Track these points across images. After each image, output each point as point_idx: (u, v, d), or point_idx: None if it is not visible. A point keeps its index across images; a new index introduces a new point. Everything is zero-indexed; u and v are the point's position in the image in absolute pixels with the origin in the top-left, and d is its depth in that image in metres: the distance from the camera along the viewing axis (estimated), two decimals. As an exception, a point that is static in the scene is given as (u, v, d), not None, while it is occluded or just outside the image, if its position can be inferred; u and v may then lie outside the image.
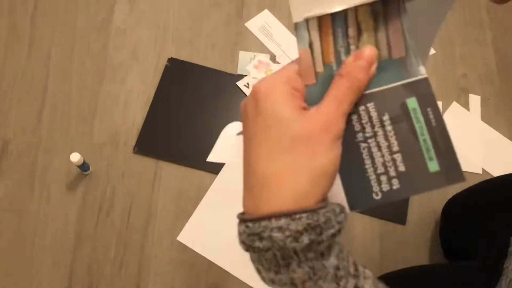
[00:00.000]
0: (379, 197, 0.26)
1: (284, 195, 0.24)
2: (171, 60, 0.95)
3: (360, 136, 0.26)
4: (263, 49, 0.98)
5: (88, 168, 0.85)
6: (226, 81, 0.94)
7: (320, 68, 0.27)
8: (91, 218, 0.83)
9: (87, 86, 0.93)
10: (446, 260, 0.82)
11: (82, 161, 0.80)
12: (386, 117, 0.26)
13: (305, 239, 0.23)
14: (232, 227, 0.91)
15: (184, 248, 0.82)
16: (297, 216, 0.23)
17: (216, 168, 0.87)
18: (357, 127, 0.27)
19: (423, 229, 0.86)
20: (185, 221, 0.84)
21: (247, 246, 0.25)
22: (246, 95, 0.94)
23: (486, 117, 0.95)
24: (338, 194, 0.27)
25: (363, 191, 0.26)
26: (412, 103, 0.26)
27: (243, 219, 0.25)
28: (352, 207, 0.27)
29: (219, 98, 0.93)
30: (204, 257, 0.81)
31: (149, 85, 0.93)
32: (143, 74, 0.94)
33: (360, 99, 0.26)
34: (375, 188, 0.26)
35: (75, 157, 0.78)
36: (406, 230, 0.86)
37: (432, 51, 1.00)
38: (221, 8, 1.01)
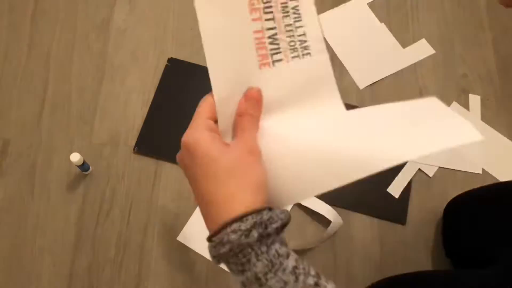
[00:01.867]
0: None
1: (236, 208, 0.30)
2: (171, 60, 0.95)
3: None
4: (263, 49, 0.98)
5: (88, 168, 0.85)
6: (226, 81, 0.94)
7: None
8: (91, 218, 0.83)
9: (87, 86, 0.93)
10: (447, 259, 0.82)
11: (82, 161, 0.80)
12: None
13: (255, 234, 0.29)
14: None
15: (184, 248, 0.82)
16: (245, 218, 0.29)
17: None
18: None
19: (423, 229, 0.86)
20: (185, 221, 0.84)
21: (217, 257, 0.31)
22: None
23: (486, 117, 0.95)
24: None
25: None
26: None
27: (209, 237, 0.31)
28: None
29: (219, 98, 0.93)
30: (204, 257, 0.81)
31: (149, 85, 0.93)
32: (143, 74, 0.94)
33: None
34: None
35: (75, 157, 0.78)
36: (406, 230, 0.86)
37: (432, 51, 1.00)
38: (221, 8, 1.01)
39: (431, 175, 0.90)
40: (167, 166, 0.87)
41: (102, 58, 0.95)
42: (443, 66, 0.99)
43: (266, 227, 0.30)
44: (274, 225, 0.30)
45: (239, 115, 0.35)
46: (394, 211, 0.87)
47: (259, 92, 0.35)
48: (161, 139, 0.89)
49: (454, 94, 0.97)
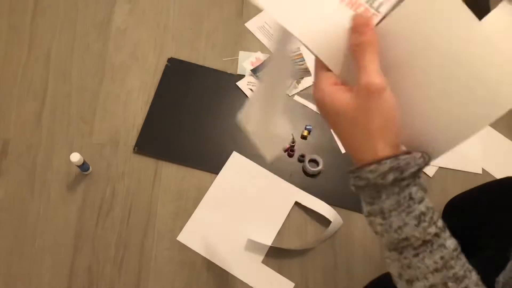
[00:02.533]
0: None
1: (366, 157, 0.32)
2: (171, 60, 0.95)
3: None
4: (263, 49, 0.98)
5: (88, 168, 0.85)
6: (226, 81, 0.94)
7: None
8: (91, 218, 0.83)
9: (87, 86, 0.93)
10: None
11: (82, 161, 0.80)
12: None
13: (390, 177, 0.31)
14: (231, 227, 0.92)
15: (184, 248, 0.82)
16: (383, 162, 0.31)
17: (216, 168, 0.88)
18: None
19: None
20: (185, 221, 0.84)
21: (354, 185, 0.34)
22: (246, 95, 0.94)
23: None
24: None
25: None
26: None
27: (351, 170, 0.34)
28: None
29: (219, 98, 0.93)
30: (204, 257, 0.81)
31: (149, 85, 0.93)
32: (143, 74, 0.94)
33: None
34: None
35: (75, 157, 0.78)
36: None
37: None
38: (221, 8, 1.01)
39: (431, 175, 0.90)
40: (167, 166, 0.88)
41: (102, 58, 0.95)
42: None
43: (402, 172, 0.31)
44: (411, 170, 0.31)
45: (353, 49, 0.32)
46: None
47: (363, 16, 0.32)
48: (161, 139, 0.89)
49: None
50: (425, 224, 0.32)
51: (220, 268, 0.81)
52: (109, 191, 0.85)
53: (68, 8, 0.98)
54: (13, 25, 0.96)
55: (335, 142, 0.91)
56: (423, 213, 0.32)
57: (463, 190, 0.80)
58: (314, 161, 0.89)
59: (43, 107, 0.90)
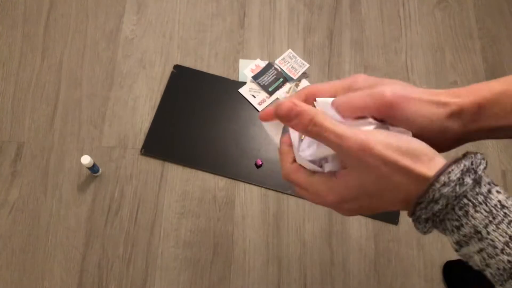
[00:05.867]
0: None
1: (422, 171, 0.26)
2: (176, 67, 1.00)
3: None
4: (263, 57, 1.03)
5: (98, 170, 0.89)
6: (228, 87, 0.99)
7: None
8: (101, 217, 0.87)
9: (97, 92, 0.97)
10: (437, 255, 0.87)
11: (92, 163, 0.84)
12: None
13: (469, 180, 0.25)
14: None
15: (188, 245, 0.86)
16: (449, 169, 0.25)
17: (219, 169, 0.92)
18: None
19: (415, 229, 0.90)
20: (189, 220, 0.88)
21: (430, 218, 0.26)
22: (248, 101, 0.99)
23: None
24: None
25: None
26: None
27: (416, 204, 0.26)
28: None
29: (222, 103, 0.98)
30: (207, 254, 0.85)
31: (155, 91, 0.98)
32: (150, 80, 0.99)
33: None
34: None
35: (86, 160, 0.82)
36: (399, 230, 0.90)
37: (424, 60, 1.05)
38: (223, 18, 1.06)
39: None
40: (172, 168, 0.92)
41: (111, 66, 1.00)
42: (435, 73, 1.04)
43: (475, 171, 0.26)
44: (481, 166, 0.26)
45: (306, 133, 0.27)
46: (387, 212, 0.90)
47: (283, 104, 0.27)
48: (167, 142, 0.94)
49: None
50: None
51: (223, 264, 0.85)
52: (118, 192, 0.90)
53: (79, 19, 1.03)
54: (27, 34, 1.01)
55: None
56: None
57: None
58: (312, 164, 0.93)
59: (56, 112, 0.95)
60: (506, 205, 0.25)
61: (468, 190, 0.25)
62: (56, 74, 0.98)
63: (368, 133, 0.26)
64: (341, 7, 1.08)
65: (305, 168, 0.29)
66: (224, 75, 1.00)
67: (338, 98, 0.28)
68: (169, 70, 1.00)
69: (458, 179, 0.25)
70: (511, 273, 0.25)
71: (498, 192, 0.26)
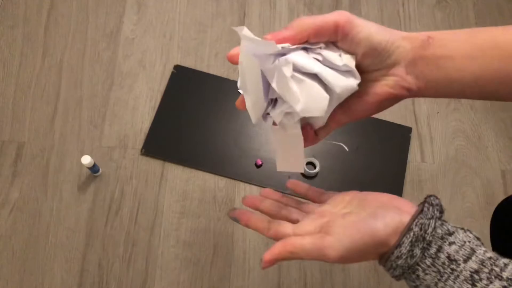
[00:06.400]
0: None
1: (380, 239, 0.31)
2: (177, 67, 1.00)
3: None
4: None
5: (98, 170, 0.89)
6: (229, 88, 0.99)
7: None
8: (101, 217, 0.88)
9: (97, 92, 0.97)
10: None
11: (93, 163, 0.85)
12: None
13: (417, 251, 0.29)
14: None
15: (189, 245, 0.86)
16: (400, 242, 0.29)
17: (219, 169, 0.92)
18: None
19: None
20: (190, 220, 0.88)
21: (395, 277, 0.31)
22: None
23: (475, 122, 1.00)
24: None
25: None
26: None
27: (384, 265, 0.32)
28: None
29: (222, 103, 0.98)
30: (207, 254, 0.86)
31: (156, 91, 0.98)
32: (150, 80, 0.99)
33: None
34: None
35: (86, 160, 0.82)
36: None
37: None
38: (224, 18, 1.07)
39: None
40: (173, 168, 0.92)
41: (111, 66, 1.00)
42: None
43: (423, 238, 0.29)
44: (430, 230, 0.29)
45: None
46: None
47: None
48: (167, 142, 0.94)
49: (444, 100, 1.02)
50: (483, 283, 0.27)
51: (223, 264, 0.85)
52: (118, 192, 0.90)
53: (80, 19, 1.03)
54: (27, 35, 1.01)
55: (330, 145, 0.96)
56: (475, 271, 0.27)
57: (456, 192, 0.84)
58: (311, 164, 0.94)
59: (56, 112, 0.95)
60: (456, 258, 0.28)
61: (417, 259, 0.29)
62: (57, 74, 0.98)
63: (337, 245, 0.30)
64: (341, 7, 1.08)
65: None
66: (224, 75, 1.00)
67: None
68: (169, 70, 1.00)
69: (408, 251, 0.29)
70: None
71: (450, 244, 0.29)
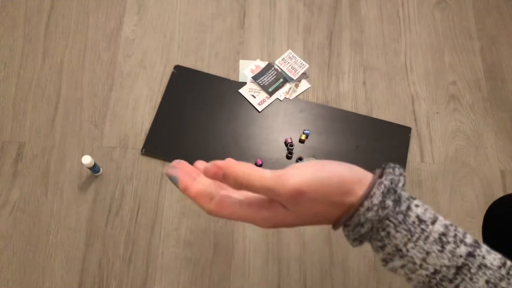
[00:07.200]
0: None
1: (354, 191, 0.28)
2: (177, 68, 1.01)
3: None
4: (263, 57, 1.04)
5: (99, 170, 0.89)
6: (229, 88, 1.00)
7: None
8: (102, 217, 0.88)
9: (98, 92, 0.98)
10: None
11: (93, 163, 0.85)
12: None
13: (389, 202, 0.27)
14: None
15: (189, 245, 0.87)
16: (371, 193, 0.27)
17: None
18: None
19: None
20: (190, 220, 0.88)
21: (358, 239, 0.29)
22: (248, 102, 0.99)
23: (475, 121, 1.00)
24: None
25: None
26: None
27: (343, 223, 0.29)
28: None
29: (222, 103, 0.98)
30: (207, 254, 0.86)
31: (156, 91, 0.98)
32: (151, 81, 0.99)
33: None
34: None
35: (87, 160, 0.83)
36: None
37: (423, 60, 1.06)
38: (224, 18, 1.07)
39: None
40: (173, 168, 0.92)
41: (112, 66, 1.00)
42: (434, 73, 1.05)
43: (395, 191, 0.27)
44: (400, 184, 0.28)
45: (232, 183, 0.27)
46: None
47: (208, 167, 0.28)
48: (168, 142, 0.94)
49: (444, 100, 1.02)
50: (451, 246, 0.27)
51: (223, 263, 0.85)
52: (119, 192, 0.90)
53: (80, 19, 1.04)
54: (28, 35, 1.02)
55: (331, 145, 0.96)
56: (443, 234, 0.27)
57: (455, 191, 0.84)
58: (312, 164, 0.94)
59: (57, 112, 0.95)
60: (424, 218, 0.27)
61: (389, 212, 0.27)
62: (57, 74, 0.98)
63: (298, 174, 0.27)
64: (341, 8, 1.08)
65: (228, 199, 0.29)
66: (224, 76, 1.01)
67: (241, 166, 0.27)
68: (169, 70, 1.00)
69: (380, 202, 0.27)
70: (430, 286, 0.27)
71: (416, 206, 0.28)
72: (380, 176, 0.28)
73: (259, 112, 0.98)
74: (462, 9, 1.11)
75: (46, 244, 0.85)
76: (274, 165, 0.93)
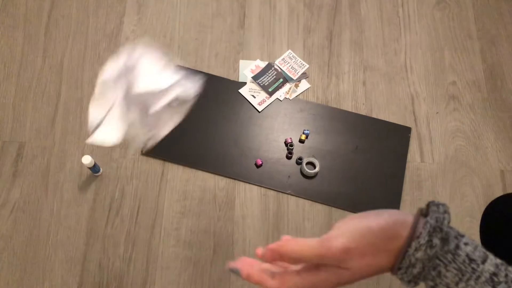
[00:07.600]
0: None
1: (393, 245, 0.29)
2: (177, 67, 1.00)
3: None
4: (263, 57, 1.04)
5: (99, 170, 0.89)
6: (229, 88, 1.00)
7: None
8: (102, 217, 0.88)
9: (98, 92, 0.98)
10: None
11: (93, 163, 0.85)
12: None
13: (436, 241, 0.28)
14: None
15: (189, 245, 0.87)
16: (417, 233, 0.28)
17: (219, 169, 0.92)
18: None
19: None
20: (190, 220, 0.88)
21: (412, 280, 0.29)
22: (248, 102, 0.99)
23: (474, 121, 1.00)
24: None
25: None
26: None
27: (398, 268, 0.29)
28: None
29: (222, 103, 0.98)
30: (207, 254, 0.86)
31: (156, 92, 0.98)
32: (151, 81, 0.99)
33: None
34: None
35: (87, 160, 0.83)
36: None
37: (423, 60, 1.06)
38: (224, 18, 1.07)
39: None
40: (173, 168, 0.92)
41: (111, 66, 1.00)
42: (434, 73, 1.05)
43: (441, 229, 0.28)
44: (446, 221, 0.28)
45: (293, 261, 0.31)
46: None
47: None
48: (168, 142, 0.94)
49: (444, 100, 1.02)
50: (503, 286, 0.27)
51: (223, 263, 0.85)
52: (119, 192, 0.90)
53: (80, 19, 1.04)
54: (28, 35, 1.02)
55: (330, 145, 0.96)
56: (494, 274, 0.27)
57: (453, 191, 0.84)
58: (311, 164, 0.94)
59: (57, 112, 0.95)
60: (474, 257, 0.28)
61: (438, 250, 0.28)
62: (57, 74, 0.99)
63: (340, 234, 0.29)
64: (341, 8, 1.09)
65: (287, 273, 0.31)
66: (224, 76, 1.01)
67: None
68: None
69: (428, 241, 0.27)
70: None
71: (465, 244, 0.28)
72: (423, 215, 0.29)
73: (259, 112, 0.98)
74: (462, 9, 1.11)
75: (46, 244, 0.85)
76: (274, 165, 0.93)
